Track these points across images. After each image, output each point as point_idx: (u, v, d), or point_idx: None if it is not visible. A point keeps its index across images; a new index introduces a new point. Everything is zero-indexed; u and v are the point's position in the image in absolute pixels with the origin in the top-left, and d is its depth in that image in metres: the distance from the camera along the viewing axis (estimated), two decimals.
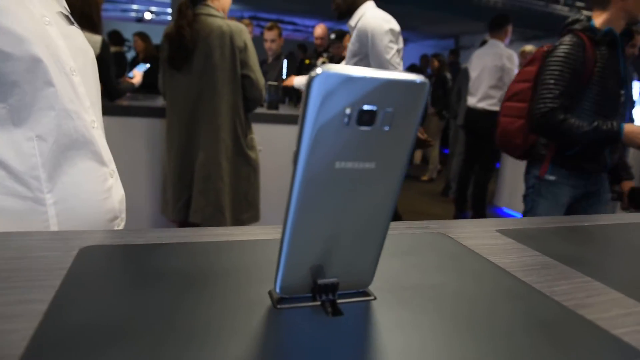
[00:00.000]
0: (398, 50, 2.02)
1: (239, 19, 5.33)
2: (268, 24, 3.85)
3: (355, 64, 2.12)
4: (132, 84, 2.80)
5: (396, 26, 2.03)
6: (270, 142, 2.59)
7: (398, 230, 0.64)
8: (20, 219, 0.62)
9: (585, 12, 1.72)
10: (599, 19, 1.63)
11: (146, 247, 0.50)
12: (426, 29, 10.51)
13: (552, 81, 1.58)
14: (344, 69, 0.28)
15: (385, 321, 0.38)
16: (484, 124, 3.53)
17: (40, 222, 0.63)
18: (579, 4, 6.74)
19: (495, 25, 3.59)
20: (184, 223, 2.17)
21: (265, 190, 2.35)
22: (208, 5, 1.98)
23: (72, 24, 0.71)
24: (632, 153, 3.43)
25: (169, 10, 8.72)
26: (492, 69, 3.52)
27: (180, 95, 2.04)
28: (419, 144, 2.21)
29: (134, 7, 10.81)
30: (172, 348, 0.32)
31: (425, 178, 5.72)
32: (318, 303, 0.39)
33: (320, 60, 3.95)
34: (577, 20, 1.67)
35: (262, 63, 3.37)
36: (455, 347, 0.35)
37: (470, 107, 3.69)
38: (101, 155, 0.72)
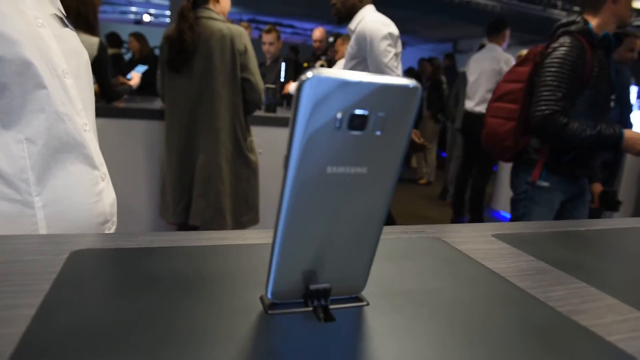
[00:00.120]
0: (396, 54, 2.02)
1: (238, 21, 5.34)
2: (266, 27, 3.85)
3: (354, 66, 2.12)
4: (130, 86, 2.80)
5: (395, 30, 2.03)
6: (268, 144, 2.58)
7: (393, 235, 0.63)
8: (9, 222, 0.61)
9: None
10: (591, 23, 1.63)
11: (138, 251, 0.50)
12: (425, 32, 10.54)
13: (554, 83, 1.54)
14: (335, 72, 0.28)
15: (378, 327, 0.37)
16: (481, 127, 3.52)
17: (28, 225, 0.63)
18: (576, 8, 6.76)
19: (494, 30, 3.60)
20: (184, 226, 2.17)
21: (264, 192, 2.34)
22: (209, 9, 1.98)
23: (66, 26, 0.71)
24: (628, 158, 3.44)
25: (168, 12, 8.73)
26: (489, 73, 3.53)
27: (180, 97, 2.03)
28: (415, 148, 2.20)
29: (133, 9, 10.81)
30: (160, 354, 0.31)
31: (422, 181, 5.72)
32: (310, 309, 0.38)
33: (319, 63, 3.95)
34: (572, 22, 1.65)
35: (260, 66, 3.36)
36: (450, 353, 0.34)
37: (468, 110, 3.69)
38: (92, 158, 0.71)
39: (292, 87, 3.29)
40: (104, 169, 0.76)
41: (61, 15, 0.71)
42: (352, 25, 2.12)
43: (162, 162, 2.22)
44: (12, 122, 0.61)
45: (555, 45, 1.61)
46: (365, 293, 0.42)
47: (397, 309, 0.41)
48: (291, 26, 11.46)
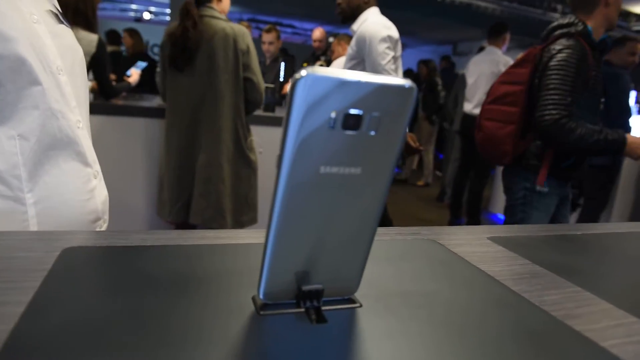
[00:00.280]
0: (395, 58, 2.02)
1: (238, 20, 5.32)
2: (266, 27, 3.85)
3: (352, 67, 2.12)
4: (129, 83, 2.80)
5: (395, 33, 2.03)
6: (267, 144, 2.58)
7: (388, 236, 0.63)
8: (0, 219, 0.61)
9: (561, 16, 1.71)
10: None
11: (130, 250, 0.49)
12: (425, 34, 10.55)
13: (564, 87, 1.52)
14: (329, 71, 0.28)
15: (370, 329, 0.37)
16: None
17: (20, 222, 0.62)
18: None
19: (494, 32, 3.61)
20: (182, 224, 2.16)
21: (263, 192, 2.34)
22: (212, 8, 1.98)
23: (61, 22, 0.71)
24: (626, 163, 3.45)
25: (168, 10, 8.73)
26: (488, 76, 3.53)
27: (182, 96, 2.03)
28: (410, 151, 2.19)
29: (133, 7, 10.80)
30: (149, 354, 0.31)
31: (420, 183, 5.73)
32: (302, 310, 0.38)
33: (318, 63, 3.95)
34: (571, 24, 1.62)
35: (259, 65, 3.36)
36: (442, 357, 0.34)
37: (467, 113, 3.69)
38: (85, 155, 0.71)
39: (288, 86, 3.28)
40: (96, 166, 0.76)
41: (56, 12, 0.71)
42: (355, 26, 2.12)
43: (160, 160, 2.21)
44: (4, 119, 0.60)
45: (557, 47, 1.58)
46: (358, 295, 0.41)
47: (391, 311, 0.40)
48: (291, 26, 11.45)
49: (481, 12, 6.72)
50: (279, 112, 2.94)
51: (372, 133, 0.31)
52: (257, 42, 3.74)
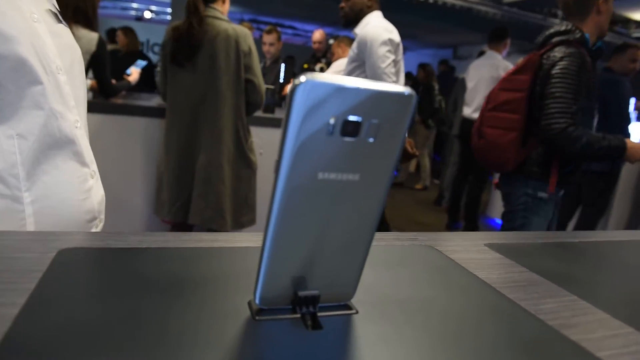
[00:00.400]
0: (395, 61, 2.02)
1: (239, 21, 5.32)
2: (267, 28, 3.85)
3: (353, 69, 2.12)
4: (129, 82, 2.79)
5: (397, 37, 2.03)
6: (266, 145, 2.58)
7: (385, 242, 0.63)
8: None
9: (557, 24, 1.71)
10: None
11: (127, 251, 0.49)
12: (425, 38, 10.56)
13: (569, 95, 1.53)
14: (329, 77, 0.28)
15: (366, 336, 0.37)
16: None
17: (17, 221, 0.62)
18: None
19: (495, 37, 3.61)
20: (181, 224, 2.16)
21: (262, 193, 2.34)
22: (214, 8, 1.98)
23: (60, 22, 0.71)
24: (624, 170, 3.46)
25: (169, 10, 8.72)
26: (488, 80, 3.53)
27: (183, 95, 2.02)
28: (406, 156, 2.19)
29: (134, 5, 10.79)
30: (144, 357, 0.30)
31: (419, 186, 5.73)
32: (298, 315, 0.38)
33: (318, 65, 3.95)
34: (568, 31, 1.62)
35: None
36: None
37: (466, 117, 3.70)
38: (83, 155, 0.71)
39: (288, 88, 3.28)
40: (93, 166, 0.75)
41: (55, 11, 0.71)
42: (358, 29, 2.13)
43: (159, 159, 2.20)
44: (4, 118, 0.60)
45: (557, 54, 1.58)
46: (354, 301, 0.41)
47: (387, 318, 0.40)
48: (292, 27, 11.46)
49: (482, 16, 6.73)
50: (279, 114, 2.94)
51: (371, 140, 0.30)
52: (258, 42, 3.75)
